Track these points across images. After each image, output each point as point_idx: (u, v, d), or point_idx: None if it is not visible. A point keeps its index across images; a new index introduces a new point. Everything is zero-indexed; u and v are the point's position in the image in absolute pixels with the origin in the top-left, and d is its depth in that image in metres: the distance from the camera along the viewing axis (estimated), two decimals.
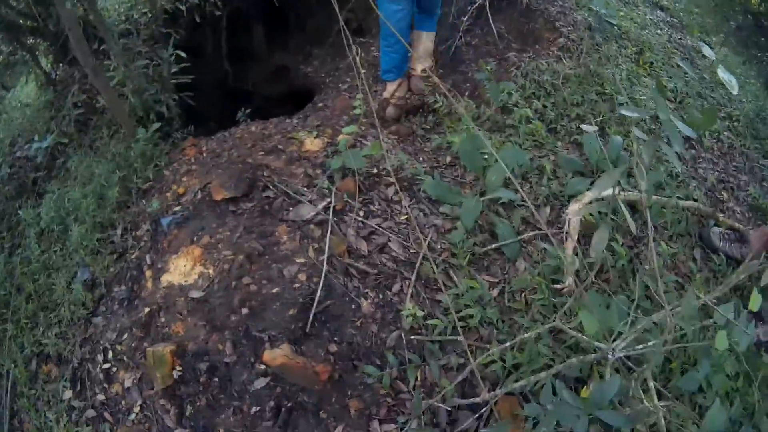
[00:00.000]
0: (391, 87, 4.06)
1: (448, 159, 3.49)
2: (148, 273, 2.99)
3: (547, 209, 3.14)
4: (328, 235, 2.78)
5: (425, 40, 4.17)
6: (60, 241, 3.61)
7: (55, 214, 3.73)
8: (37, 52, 5.21)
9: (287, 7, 6.02)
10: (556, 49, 4.37)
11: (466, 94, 4.17)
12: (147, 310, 2.78)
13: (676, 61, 4.81)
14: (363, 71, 4.08)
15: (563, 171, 3.37)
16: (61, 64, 5.23)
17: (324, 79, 5.58)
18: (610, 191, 2.45)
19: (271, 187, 3.12)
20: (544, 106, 3.82)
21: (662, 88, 3.10)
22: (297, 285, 2.61)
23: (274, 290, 2.60)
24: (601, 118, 3.78)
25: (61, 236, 3.64)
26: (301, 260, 2.71)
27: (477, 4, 4.77)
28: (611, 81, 4.06)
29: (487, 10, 4.60)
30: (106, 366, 2.80)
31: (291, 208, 2.99)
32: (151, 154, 3.85)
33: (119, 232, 3.39)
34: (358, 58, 2.71)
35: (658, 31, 5.29)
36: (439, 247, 2.88)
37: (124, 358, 2.76)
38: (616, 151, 3.28)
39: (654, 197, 3.22)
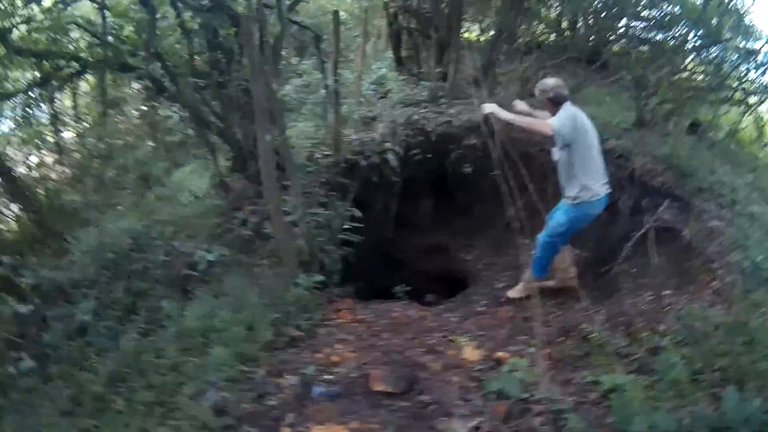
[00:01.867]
0: (536, 284, 4.50)
1: (593, 396, 3.43)
2: (285, 431, 3.04)
3: None
4: None
5: (570, 252, 4.93)
6: (198, 353, 3.70)
7: (201, 324, 3.88)
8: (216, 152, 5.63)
9: (459, 188, 6.38)
10: (709, 292, 4.30)
11: (621, 328, 4.15)
12: None
13: None
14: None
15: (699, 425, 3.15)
16: (237, 174, 5.63)
17: (480, 271, 5.78)
18: None
19: (426, 392, 3.22)
20: (692, 355, 3.68)
21: None
22: None
23: None
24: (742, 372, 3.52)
25: (200, 348, 3.74)
26: None
27: (641, 232, 4.91)
28: (757, 331, 3.83)
29: (649, 240, 4.73)
30: None
31: (443, 419, 3.05)
32: (306, 303, 4.03)
33: (262, 372, 3.48)
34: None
35: None
36: None
37: None
38: (752, 413, 3.05)
39: None
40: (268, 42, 4.87)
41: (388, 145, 5.71)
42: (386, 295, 4.72)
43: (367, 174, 5.63)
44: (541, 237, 4.52)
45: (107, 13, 5.20)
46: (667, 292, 4.48)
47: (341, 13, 7.50)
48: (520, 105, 4.66)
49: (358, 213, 4.83)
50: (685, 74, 8.00)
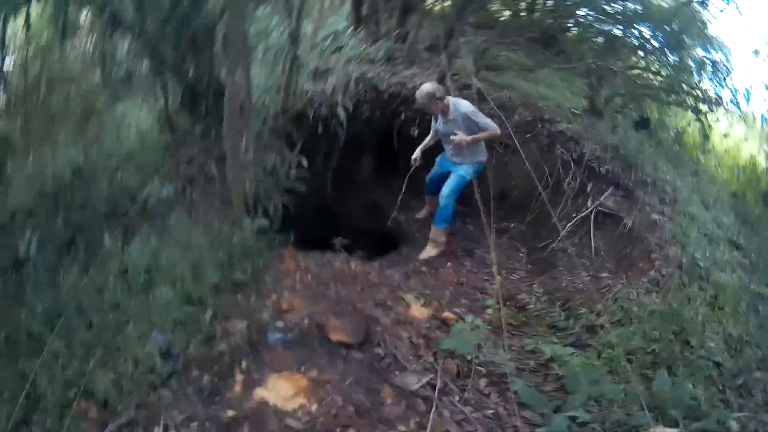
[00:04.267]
0: (444, 236, 5.20)
1: (532, 363, 3.62)
2: (239, 377, 3.06)
3: None
4: (432, 414, 2.92)
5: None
6: (142, 292, 3.64)
7: (146, 262, 3.81)
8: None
9: (404, 149, 6.24)
10: (646, 280, 4.52)
11: (558, 304, 4.37)
12: (232, 413, 2.81)
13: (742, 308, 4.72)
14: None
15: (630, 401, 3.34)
16: (184, 112, 5.52)
17: (413, 233, 5.91)
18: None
19: (382, 345, 3.35)
20: (627, 337, 3.89)
21: None
22: None
23: None
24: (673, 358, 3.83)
25: (144, 287, 3.68)
26: (403, 429, 2.83)
27: (582, 215, 5.20)
28: (689, 323, 4.11)
29: (591, 223, 5.02)
30: None
31: (397, 372, 3.19)
32: (250, 247, 4.03)
33: (208, 315, 3.45)
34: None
35: (733, 274, 5.15)
36: None
37: None
38: (682, 394, 3.28)
39: None
40: None
41: (339, 98, 5.70)
42: (319, 247, 4.76)
43: (313, 125, 5.61)
44: (447, 191, 5.04)
45: None
46: (604, 274, 4.75)
47: None
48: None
49: (305, 162, 4.85)
50: (637, 72, 8.21)
